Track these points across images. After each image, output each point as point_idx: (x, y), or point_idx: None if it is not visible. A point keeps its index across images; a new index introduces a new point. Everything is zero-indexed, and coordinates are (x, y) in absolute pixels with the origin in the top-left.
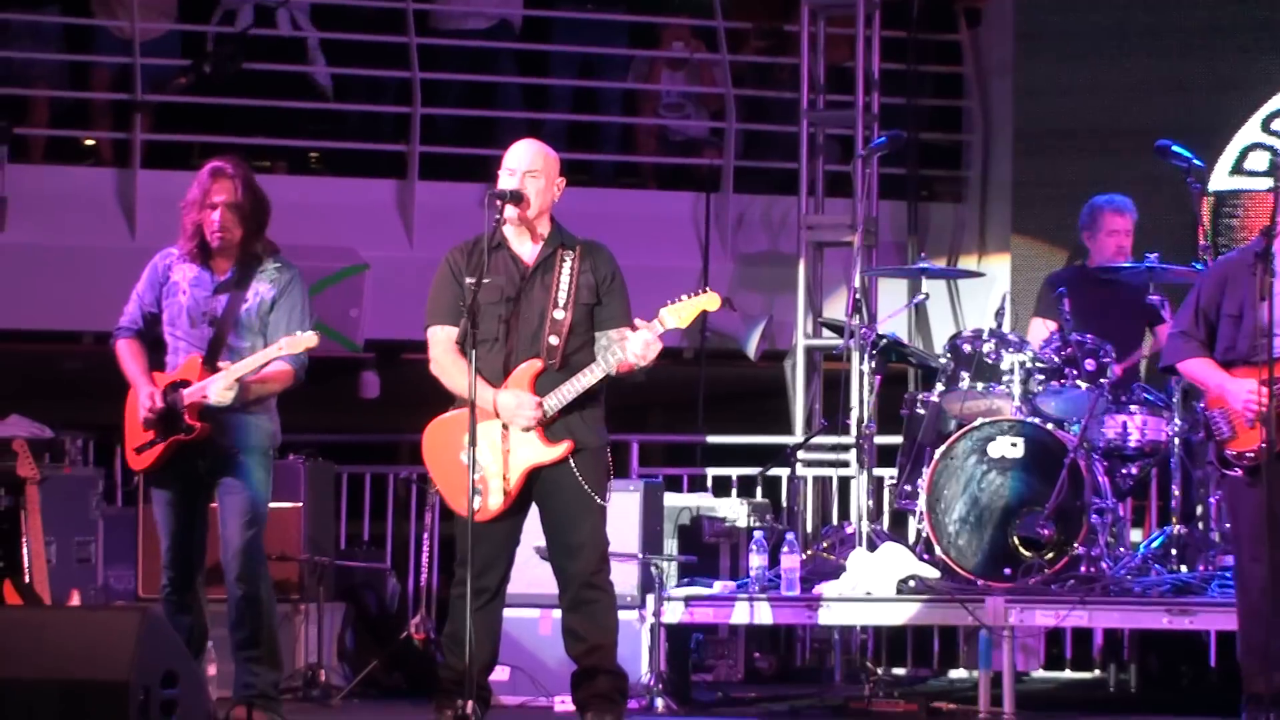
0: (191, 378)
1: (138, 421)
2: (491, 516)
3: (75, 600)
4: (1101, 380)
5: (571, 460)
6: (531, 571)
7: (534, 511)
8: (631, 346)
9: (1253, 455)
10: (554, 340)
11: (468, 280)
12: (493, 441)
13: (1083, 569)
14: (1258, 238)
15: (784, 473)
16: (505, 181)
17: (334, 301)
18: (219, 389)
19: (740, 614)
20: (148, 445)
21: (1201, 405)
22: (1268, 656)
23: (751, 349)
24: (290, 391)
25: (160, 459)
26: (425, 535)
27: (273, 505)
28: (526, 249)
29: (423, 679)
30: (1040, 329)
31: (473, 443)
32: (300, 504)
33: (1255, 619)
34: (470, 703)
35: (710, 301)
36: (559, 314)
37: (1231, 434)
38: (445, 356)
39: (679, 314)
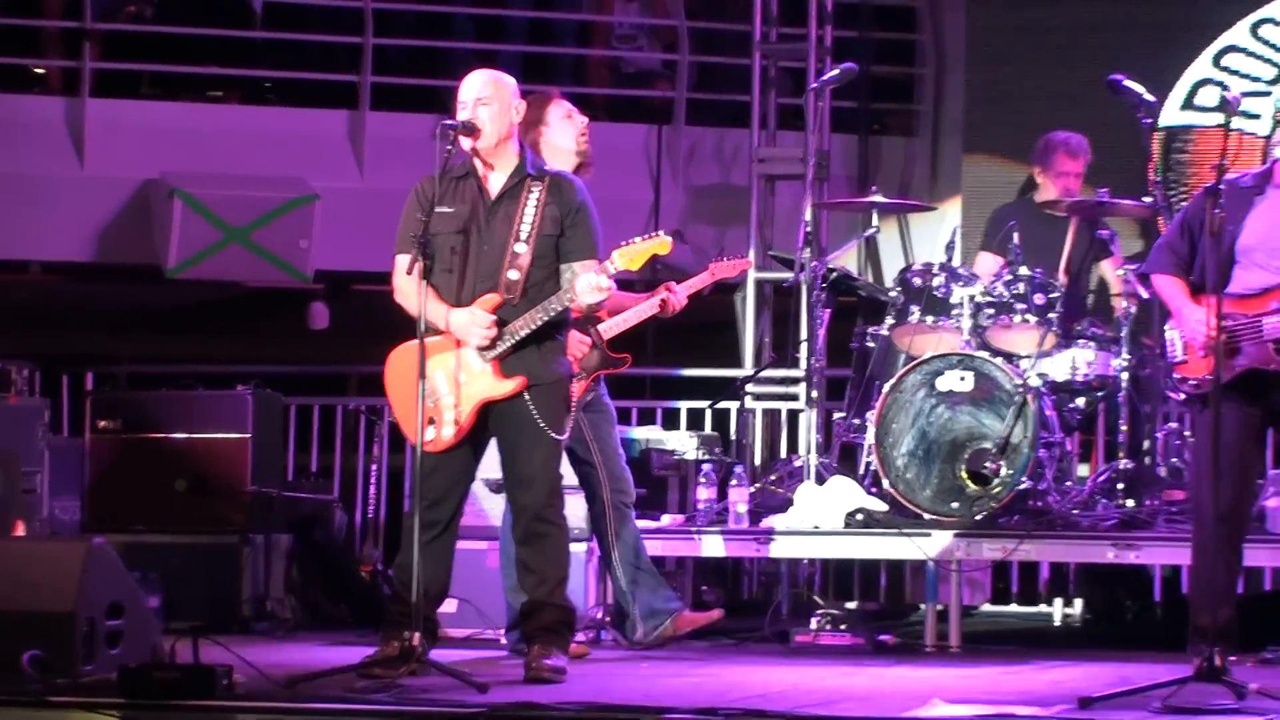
0: (599, 314)
1: None
2: (443, 448)
3: (20, 531)
4: (1050, 315)
5: (526, 394)
6: (480, 504)
7: (489, 446)
8: (579, 289)
9: (1194, 384)
10: (514, 275)
11: (432, 209)
12: (449, 372)
13: (1030, 503)
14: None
15: (733, 406)
16: (459, 114)
17: (283, 232)
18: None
19: (688, 547)
20: None
21: (1168, 324)
22: (1214, 591)
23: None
24: (238, 322)
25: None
26: (373, 467)
27: (220, 436)
28: (493, 179)
29: (369, 611)
30: (988, 262)
31: (421, 374)
32: (248, 435)
33: (1205, 553)
34: (417, 635)
35: (661, 246)
36: (520, 247)
37: (1182, 358)
38: (407, 284)
39: (629, 256)
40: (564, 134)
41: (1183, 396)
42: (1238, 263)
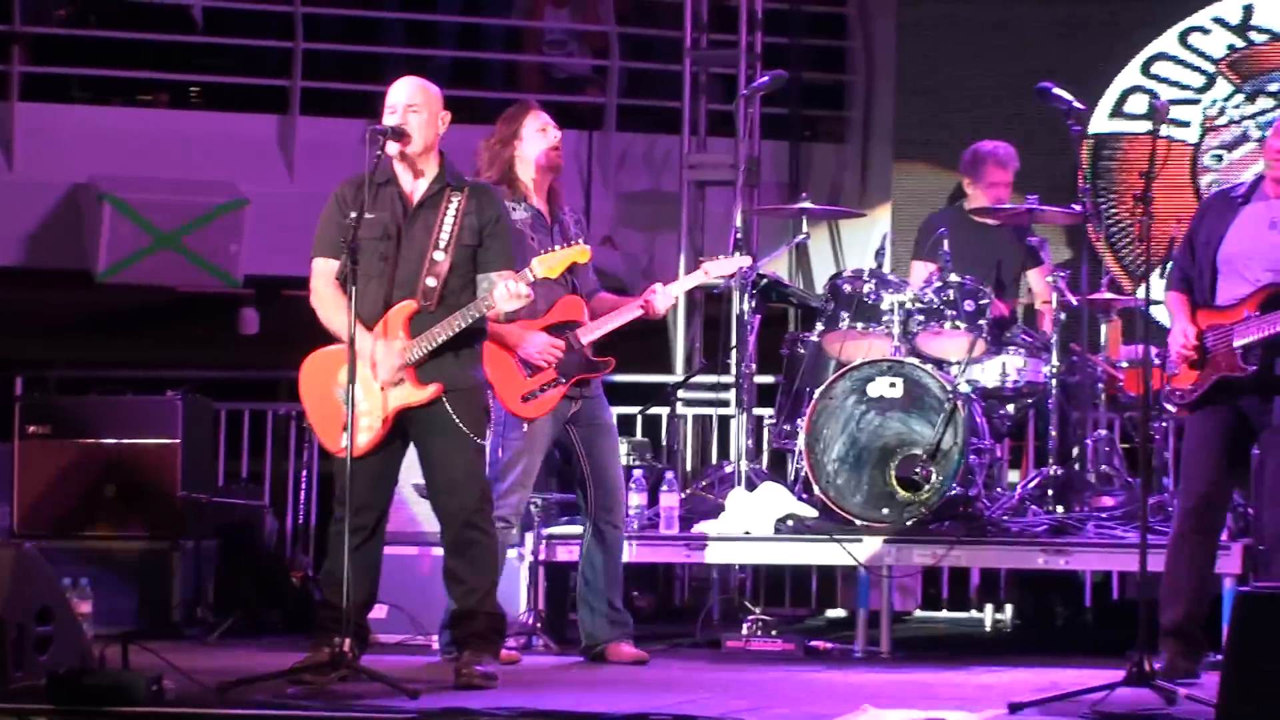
0: (578, 318)
1: (517, 372)
2: (360, 454)
3: None
4: (980, 321)
5: (445, 400)
6: (410, 509)
7: (414, 449)
8: (497, 296)
9: (1180, 395)
10: (431, 282)
11: (352, 214)
12: (365, 379)
13: (960, 509)
14: (1244, 182)
15: (664, 412)
16: (388, 119)
17: (214, 236)
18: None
19: None
20: (538, 392)
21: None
22: (1177, 591)
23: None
24: (169, 327)
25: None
26: (304, 473)
27: (150, 441)
28: (414, 186)
29: (299, 616)
30: (920, 271)
31: (351, 380)
32: (178, 441)
33: (1172, 553)
34: (348, 640)
35: (580, 254)
36: (438, 255)
37: (1174, 370)
38: (325, 289)
39: (548, 264)
40: (535, 146)
41: (1174, 408)
42: (1220, 272)
